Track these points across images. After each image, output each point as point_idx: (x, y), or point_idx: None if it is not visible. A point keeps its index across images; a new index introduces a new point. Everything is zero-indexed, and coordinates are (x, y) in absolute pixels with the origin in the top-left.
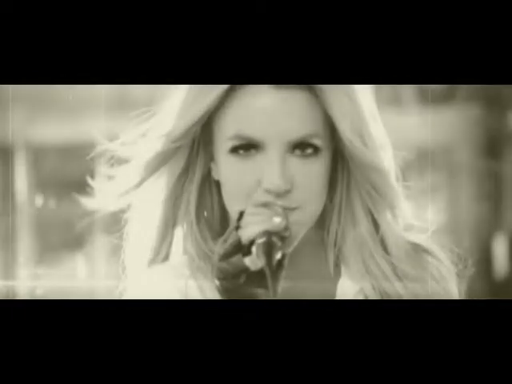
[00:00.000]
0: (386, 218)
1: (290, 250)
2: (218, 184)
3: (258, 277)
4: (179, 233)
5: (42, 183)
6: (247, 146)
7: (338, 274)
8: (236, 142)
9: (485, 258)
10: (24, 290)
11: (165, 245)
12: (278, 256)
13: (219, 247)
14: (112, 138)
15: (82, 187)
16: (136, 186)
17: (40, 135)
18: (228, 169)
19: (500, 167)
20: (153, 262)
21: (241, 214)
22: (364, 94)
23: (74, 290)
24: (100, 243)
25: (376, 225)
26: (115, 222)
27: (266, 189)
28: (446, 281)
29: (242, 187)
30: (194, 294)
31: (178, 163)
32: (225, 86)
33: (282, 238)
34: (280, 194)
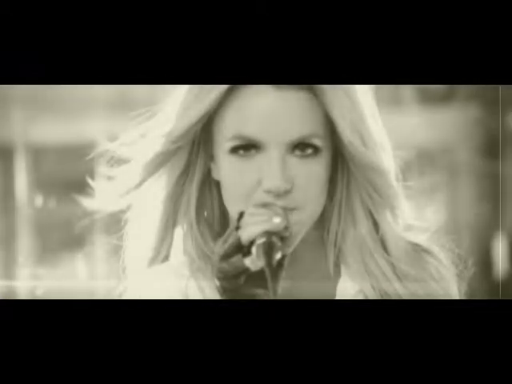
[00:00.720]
0: (385, 218)
1: (289, 250)
2: (217, 184)
3: (258, 277)
4: (179, 233)
5: (42, 183)
6: (247, 147)
7: (337, 274)
8: (236, 143)
9: (485, 259)
10: (24, 290)
11: (165, 245)
12: (278, 256)
13: (219, 247)
14: (112, 138)
15: (82, 187)
16: (136, 187)
17: (40, 135)
18: (228, 169)
19: (500, 167)
20: (153, 262)
21: (241, 215)
22: (364, 94)
23: (74, 290)
24: (100, 243)
25: (376, 225)
26: (115, 223)
27: (265, 189)
28: (446, 281)
29: (242, 187)
30: (194, 294)
31: (178, 163)
32: (225, 86)
33: (282, 239)
34: (280, 195)
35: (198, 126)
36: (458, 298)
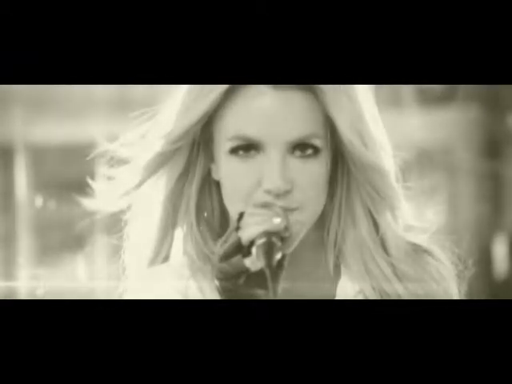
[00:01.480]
0: (386, 219)
1: (289, 250)
2: (218, 185)
3: (258, 277)
4: (179, 233)
5: (42, 184)
6: (247, 147)
7: (337, 275)
8: (236, 143)
9: (485, 259)
10: (24, 291)
11: (165, 245)
12: (278, 256)
13: (219, 248)
14: (112, 138)
15: (82, 188)
16: (136, 187)
17: (40, 136)
18: (228, 169)
19: (500, 167)
20: (153, 262)
21: (241, 215)
22: (364, 94)
23: (74, 291)
24: (100, 244)
25: (376, 225)
26: (115, 223)
27: (266, 189)
28: (446, 281)
29: (242, 188)
30: (194, 294)
31: (178, 164)
32: (225, 87)
33: (282, 239)
34: (280, 195)
35: (198, 127)
36: (457, 297)
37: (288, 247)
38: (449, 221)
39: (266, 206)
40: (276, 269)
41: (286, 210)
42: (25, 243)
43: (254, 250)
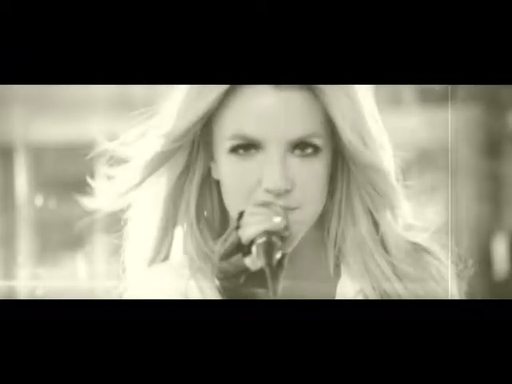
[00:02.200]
0: (385, 218)
1: (289, 249)
2: (218, 184)
3: (258, 277)
4: (179, 233)
5: (42, 183)
6: (247, 146)
7: (338, 274)
8: (236, 142)
9: (485, 258)
10: (24, 290)
11: (165, 245)
12: (278, 256)
13: (219, 247)
14: (112, 138)
15: (82, 187)
16: (136, 186)
17: (40, 135)
18: (228, 168)
19: (500, 167)
20: (153, 261)
21: (241, 214)
22: (364, 94)
23: (74, 290)
24: (100, 243)
25: (376, 225)
26: (115, 222)
27: (266, 188)
28: (446, 281)
29: (242, 187)
30: (194, 293)
31: (178, 163)
32: (225, 86)
33: (282, 238)
34: (280, 194)
35: (198, 126)
36: (457, 298)
37: (288, 246)
38: (449, 220)
39: (266, 205)
40: (276, 268)
41: (286, 209)
42: (25, 243)
43: (254, 249)
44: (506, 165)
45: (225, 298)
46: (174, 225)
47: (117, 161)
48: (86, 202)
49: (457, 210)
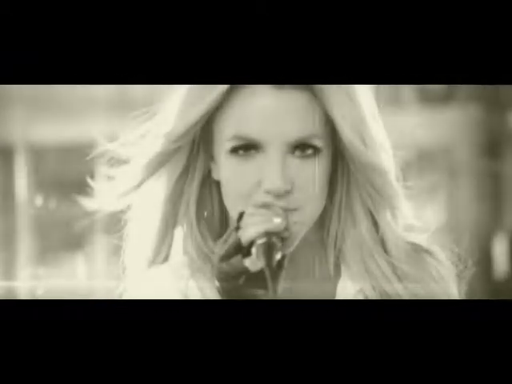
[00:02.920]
0: (385, 218)
1: (289, 250)
2: (218, 184)
3: (258, 277)
4: (179, 233)
5: (42, 183)
6: (247, 147)
7: (337, 275)
8: (236, 143)
9: (485, 258)
10: (24, 290)
11: (165, 245)
12: (278, 256)
13: (219, 248)
14: (112, 138)
15: (82, 188)
16: (136, 187)
17: (40, 135)
18: (228, 169)
19: (500, 167)
20: (153, 262)
21: (241, 215)
22: (364, 94)
23: (74, 290)
24: (100, 244)
25: (376, 225)
26: (115, 223)
27: (266, 189)
28: (446, 281)
29: (242, 188)
30: (194, 294)
31: (178, 164)
32: (225, 86)
33: (282, 239)
34: (280, 195)
35: (198, 126)
36: (458, 297)
37: (288, 247)
38: (449, 221)
39: (266, 206)
40: (276, 269)
41: (286, 210)
42: (25, 243)
43: (253, 249)
44: (506, 165)
45: (225, 299)
46: (174, 225)
47: (117, 161)
48: (86, 203)
49: (457, 210)
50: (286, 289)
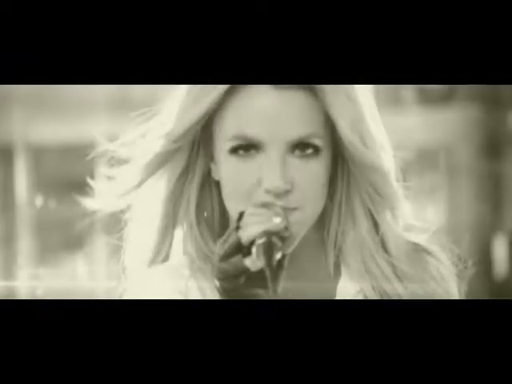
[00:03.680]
0: (386, 219)
1: (290, 250)
2: (218, 184)
3: (258, 277)
4: (179, 233)
5: (42, 183)
6: (247, 147)
7: (338, 274)
8: (236, 143)
9: (485, 259)
10: (24, 290)
11: (165, 245)
12: (278, 256)
13: (219, 248)
14: (112, 138)
15: (82, 187)
16: (136, 187)
17: (40, 135)
18: (228, 169)
19: (500, 167)
20: (153, 262)
21: (241, 215)
22: (364, 94)
23: (74, 290)
24: (100, 244)
25: (376, 225)
26: (115, 223)
27: (266, 189)
28: (446, 281)
29: (242, 188)
30: (194, 294)
31: (178, 164)
32: (225, 87)
33: (282, 239)
34: (280, 195)
35: (198, 126)
36: (458, 297)
37: (288, 247)
38: (449, 221)
39: (266, 205)
40: (276, 268)
41: (286, 210)
42: (25, 243)
43: (254, 249)
44: (506, 165)
45: (225, 299)
46: (174, 225)
47: (117, 161)
48: (86, 203)
49: (457, 210)
50: (285, 289)
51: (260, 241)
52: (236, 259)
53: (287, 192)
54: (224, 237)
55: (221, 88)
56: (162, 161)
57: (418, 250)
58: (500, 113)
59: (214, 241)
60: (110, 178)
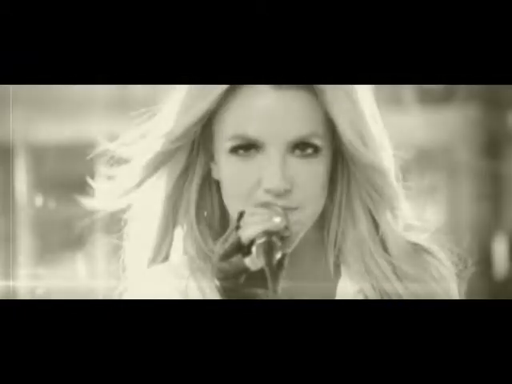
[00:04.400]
0: (386, 218)
1: (290, 249)
2: (218, 184)
3: (258, 277)
4: (179, 233)
5: (42, 183)
6: (247, 146)
7: (338, 274)
8: (236, 142)
9: (485, 258)
10: (24, 290)
11: (165, 245)
12: (278, 256)
13: (219, 247)
14: (112, 138)
15: (82, 187)
16: (136, 187)
17: (40, 135)
18: (228, 169)
19: (500, 167)
20: (153, 262)
21: (241, 214)
22: (364, 94)
23: (74, 290)
24: (100, 243)
25: (376, 225)
26: (115, 222)
27: (266, 189)
28: (446, 281)
29: (242, 187)
30: (194, 294)
31: (178, 163)
32: (225, 86)
33: (282, 238)
34: (280, 194)
35: (198, 126)
36: (457, 297)
37: (288, 247)
38: (449, 221)
39: (266, 205)
40: (276, 268)
41: (286, 210)
42: (25, 243)
43: (254, 249)
44: (506, 165)
45: (225, 298)
46: (174, 225)
47: (117, 161)
48: (86, 203)
49: (457, 210)
50: (285, 288)
51: (260, 240)
52: (236, 259)
53: (287, 192)
54: (224, 236)
55: (221, 88)
56: (162, 160)
57: (418, 250)
58: (500, 113)
59: (214, 240)
60: (109, 177)
